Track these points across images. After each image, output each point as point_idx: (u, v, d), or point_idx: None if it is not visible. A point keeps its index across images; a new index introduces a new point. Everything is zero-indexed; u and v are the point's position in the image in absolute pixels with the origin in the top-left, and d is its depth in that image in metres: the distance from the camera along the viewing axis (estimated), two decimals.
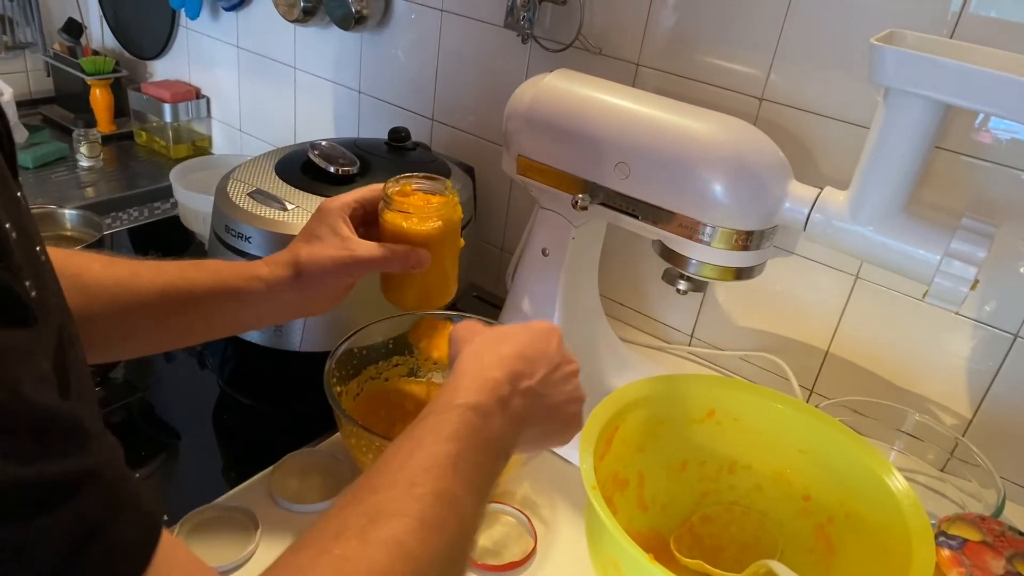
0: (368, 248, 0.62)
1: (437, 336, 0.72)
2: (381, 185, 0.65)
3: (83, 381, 0.37)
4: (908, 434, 0.84)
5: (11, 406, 0.26)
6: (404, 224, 0.64)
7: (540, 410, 0.53)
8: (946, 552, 0.60)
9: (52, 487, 0.26)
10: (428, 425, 0.46)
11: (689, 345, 1.05)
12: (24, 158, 1.48)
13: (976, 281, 0.63)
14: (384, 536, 0.38)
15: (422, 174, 0.68)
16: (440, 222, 0.65)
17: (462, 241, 0.70)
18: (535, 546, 0.71)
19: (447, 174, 1.00)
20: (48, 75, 1.78)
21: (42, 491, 0.26)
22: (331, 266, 0.61)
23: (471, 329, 0.55)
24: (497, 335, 0.54)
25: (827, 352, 0.93)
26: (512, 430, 0.50)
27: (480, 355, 0.52)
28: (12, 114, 1.50)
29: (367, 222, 0.66)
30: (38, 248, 0.34)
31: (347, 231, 0.63)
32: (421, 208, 0.65)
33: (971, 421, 0.85)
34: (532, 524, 0.73)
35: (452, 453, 0.44)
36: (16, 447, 0.26)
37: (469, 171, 1.08)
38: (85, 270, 0.56)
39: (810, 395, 0.96)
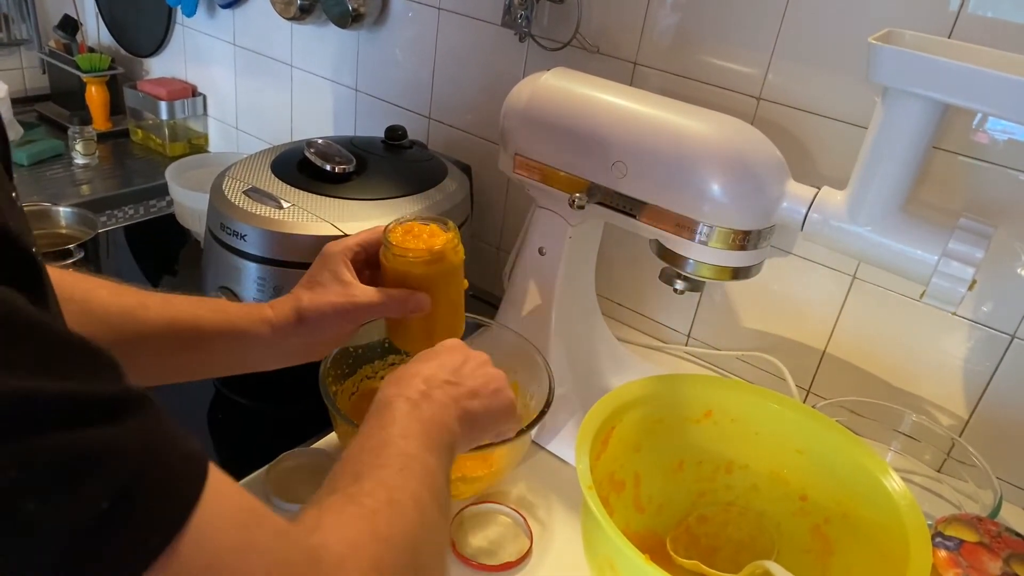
0: (368, 294, 0.63)
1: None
2: (383, 228, 0.65)
3: None
4: (905, 434, 0.84)
5: (63, 336, 0.27)
6: (402, 268, 0.64)
7: (464, 395, 0.57)
8: (943, 553, 0.60)
9: (111, 403, 0.27)
10: (369, 423, 0.51)
11: (686, 345, 1.05)
12: (19, 155, 1.47)
13: (974, 281, 0.62)
14: (361, 509, 0.41)
15: (423, 216, 0.67)
16: (438, 265, 0.64)
17: (466, 282, 0.69)
18: (531, 546, 0.70)
19: (444, 173, 1.00)
20: (44, 72, 1.77)
21: (106, 405, 0.27)
22: (332, 312, 0.62)
23: (397, 369, 0.60)
24: (412, 362, 0.59)
25: (824, 352, 0.93)
26: (445, 412, 0.54)
27: (396, 374, 0.57)
28: (7, 111, 1.49)
29: (371, 264, 0.66)
30: (33, 250, 0.34)
31: (348, 276, 0.63)
32: (419, 252, 0.64)
33: (968, 422, 0.85)
34: (528, 524, 0.72)
35: (399, 429, 0.49)
36: (67, 368, 0.26)
37: (466, 170, 1.08)
38: (92, 296, 0.56)
39: (807, 395, 0.96)
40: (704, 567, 0.62)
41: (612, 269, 1.06)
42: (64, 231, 1.17)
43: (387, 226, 0.65)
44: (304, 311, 0.62)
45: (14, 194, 0.34)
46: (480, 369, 0.60)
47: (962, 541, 0.61)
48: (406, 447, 0.48)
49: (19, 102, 1.67)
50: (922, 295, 0.65)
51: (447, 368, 0.58)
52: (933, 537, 0.61)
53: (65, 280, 0.55)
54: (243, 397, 0.94)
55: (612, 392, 0.67)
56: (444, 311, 0.67)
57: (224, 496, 0.30)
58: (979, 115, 0.75)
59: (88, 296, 0.56)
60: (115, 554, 0.25)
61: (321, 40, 1.32)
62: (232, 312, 0.62)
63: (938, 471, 0.83)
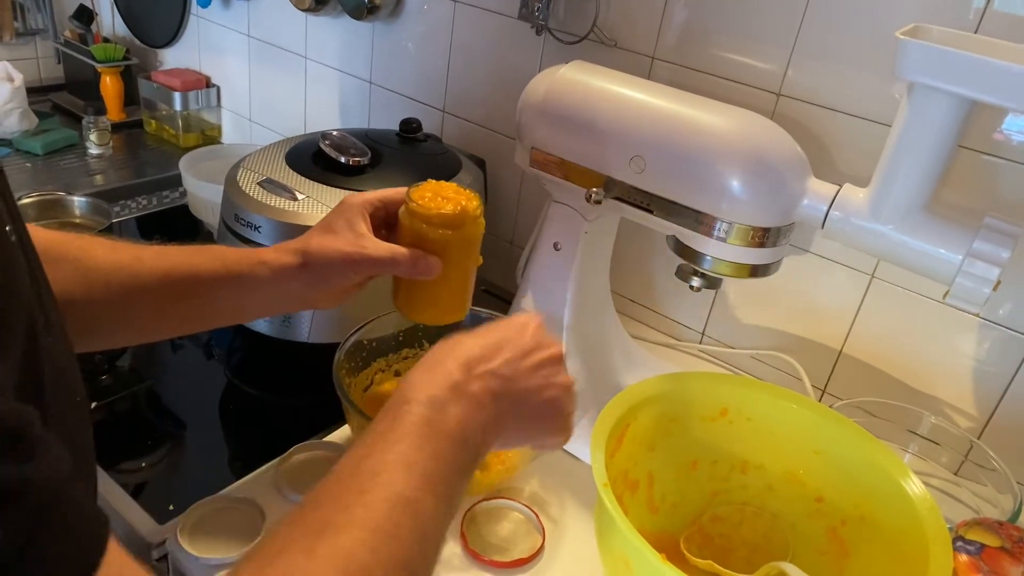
0: (379, 247, 0.60)
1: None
2: (406, 187, 0.64)
3: (55, 370, 0.35)
4: (922, 436, 0.83)
5: None
6: (419, 228, 0.62)
7: (510, 394, 0.49)
8: (964, 557, 0.59)
9: None
10: (378, 428, 0.44)
11: (700, 343, 1.04)
12: (33, 145, 1.48)
13: (998, 282, 0.61)
14: (331, 550, 0.36)
15: (450, 183, 0.65)
16: (457, 231, 0.62)
17: (480, 259, 0.66)
18: (543, 543, 0.70)
19: (458, 166, 0.99)
20: (58, 62, 1.78)
21: None
22: (339, 259, 0.60)
23: (445, 340, 0.52)
24: (465, 334, 0.51)
25: (840, 352, 0.92)
26: (475, 414, 0.47)
27: (435, 352, 0.50)
28: (22, 100, 1.49)
29: (388, 224, 0.64)
30: (7, 228, 0.32)
31: (363, 228, 0.61)
32: (440, 214, 0.61)
33: (987, 424, 0.84)
34: (540, 521, 0.72)
35: (404, 453, 0.42)
36: None
37: (481, 164, 1.07)
38: (86, 254, 0.55)
39: (822, 395, 0.95)
40: (718, 567, 0.61)
41: (627, 265, 1.06)
42: (78, 220, 1.18)
43: (413, 185, 0.64)
44: (310, 254, 0.60)
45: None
46: (544, 369, 0.52)
47: (983, 545, 0.60)
48: (400, 485, 0.40)
49: (34, 92, 1.67)
50: (945, 295, 0.64)
51: (504, 353, 0.50)
52: (953, 541, 0.60)
53: (59, 241, 0.54)
54: (255, 388, 0.94)
55: (626, 390, 0.66)
56: (454, 280, 0.65)
57: None
58: (1005, 112, 0.74)
59: (82, 255, 0.55)
60: None
61: (335, 32, 1.31)
62: (229, 257, 0.61)
63: (955, 474, 0.82)
